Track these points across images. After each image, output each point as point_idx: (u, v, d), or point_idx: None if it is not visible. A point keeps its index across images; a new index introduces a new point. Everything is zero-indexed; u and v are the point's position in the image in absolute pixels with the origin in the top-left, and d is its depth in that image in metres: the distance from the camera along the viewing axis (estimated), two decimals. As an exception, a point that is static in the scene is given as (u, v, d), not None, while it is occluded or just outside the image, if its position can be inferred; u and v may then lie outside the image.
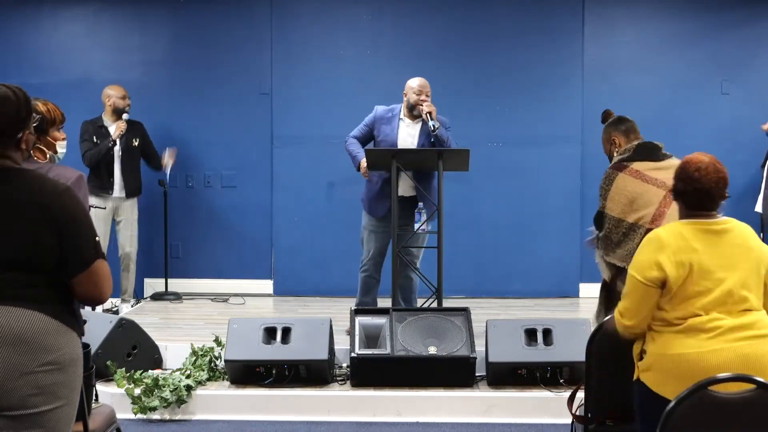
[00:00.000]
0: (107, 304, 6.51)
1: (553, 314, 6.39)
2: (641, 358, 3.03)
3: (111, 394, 4.84)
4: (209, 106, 7.37)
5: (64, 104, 3.55)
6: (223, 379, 5.12)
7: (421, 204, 5.65)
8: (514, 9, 7.36)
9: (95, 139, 6.62)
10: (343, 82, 7.31)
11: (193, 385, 4.91)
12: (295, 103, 7.36)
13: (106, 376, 5.00)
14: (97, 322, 5.09)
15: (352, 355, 5.04)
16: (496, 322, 5.18)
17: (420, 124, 5.75)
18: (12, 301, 2.44)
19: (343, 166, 6.46)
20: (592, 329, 3.50)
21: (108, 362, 4.98)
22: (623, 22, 7.46)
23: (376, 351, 5.08)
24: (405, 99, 5.79)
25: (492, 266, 7.34)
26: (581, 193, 7.23)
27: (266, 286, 7.47)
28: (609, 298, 4.12)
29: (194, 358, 5.17)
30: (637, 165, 4.18)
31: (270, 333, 5.14)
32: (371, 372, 5.03)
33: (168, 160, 6.96)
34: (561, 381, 5.00)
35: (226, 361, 5.03)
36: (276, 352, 5.05)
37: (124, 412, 4.73)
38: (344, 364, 5.27)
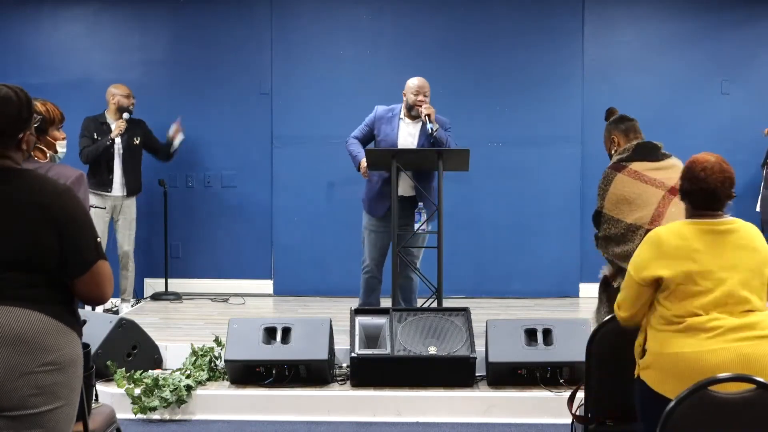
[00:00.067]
0: (107, 304, 6.50)
1: (553, 314, 6.39)
2: (642, 356, 3.03)
3: (111, 394, 4.84)
4: (209, 106, 7.37)
5: (64, 104, 3.55)
6: (223, 379, 5.12)
7: (421, 204, 5.65)
8: (514, 9, 7.36)
9: (95, 136, 6.62)
10: (343, 82, 7.31)
11: (193, 385, 4.91)
12: (295, 103, 7.36)
13: (106, 376, 4.99)
14: (97, 322, 5.09)
15: (352, 355, 5.04)
16: (496, 322, 5.18)
17: (420, 124, 5.75)
18: (12, 302, 2.44)
19: (343, 166, 6.46)
20: (592, 329, 3.51)
21: (108, 362, 4.98)
22: (623, 22, 7.46)
23: (376, 351, 5.08)
24: (404, 99, 5.79)
25: (492, 266, 7.34)
26: (581, 193, 7.23)
27: (266, 286, 7.47)
28: (609, 294, 4.12)
29: (194, 358, 5.17)
30: (635, 165, 4.18)
31: (270, 333, 5.14)
32: (371, 372, 5.03)
33: (175, 133, 6.93)
34: (561, 381, 5.00)
35: (226, 361, 5.03)
36: (276, 352, 5.05)
37: (124, 412, 4.73)
38: (344, 364, 5.27)
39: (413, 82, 5.76)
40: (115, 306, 6.76)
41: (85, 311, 5.28)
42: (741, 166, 6.84)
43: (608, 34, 7.41)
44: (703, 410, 2.74)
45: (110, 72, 7.22)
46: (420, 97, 5.68)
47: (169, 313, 6.72)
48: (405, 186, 5.73)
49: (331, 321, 5.24)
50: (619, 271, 4.05)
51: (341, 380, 5.13)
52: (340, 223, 7.16)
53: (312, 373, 5.04)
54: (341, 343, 5.30)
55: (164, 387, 4.84)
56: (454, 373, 5.03)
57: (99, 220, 6.33)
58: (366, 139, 5.89)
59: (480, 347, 5.12)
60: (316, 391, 4.99)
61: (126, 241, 6.81)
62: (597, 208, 4.23)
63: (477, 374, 5.09)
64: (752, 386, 2.76)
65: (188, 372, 5.04)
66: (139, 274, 7.09)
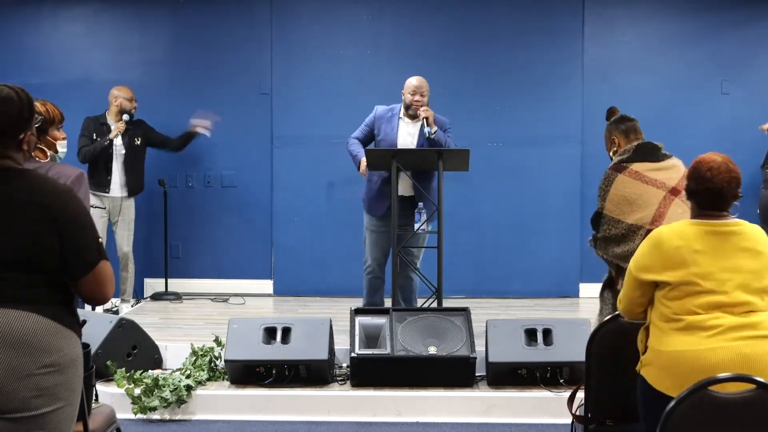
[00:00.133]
0: (107, 304, 6.50)
1: (553, 314, 6.39)
2: (644, 352, 3.04)
3: (111, 394, 4.84)
4: (209, 106, 7.34)
5: (64, 104, 3.55)
6: (223, 379, 5.12)
7: (421, 204, 5.65)
8: (514, 9, 7.36)
9: (95, 137, 6.62)
10: (343, 82, 7.31)
11: (193, 385, 4.91)
12: (295, 103, 7.36)
13: (106, 376, 4.99)
14: (97, 322, 5.08)
15: (352, 355, 5.04)
16: (496, 322, 5.18)
17: (420, 124, 5.75)
18: (12, 303, 2.44)
19: (343, 166, 6.47)
20: (592, 329, 3.51)
21: (108, 362, 4.98)
22: (623, 22, 7.46)
23: (376, 351, 5.08)
24: (403, 98, 5.79)
25: (492, 266, 7.34)
26: (581, 193, 7.23)
27: (266, 286, 7.47)
28: (614, 296, 4.12)
29: (194, 358, 5.17)
30: (636, 166, 4.18)
31: (270, 333, 5.14)
32: (371, 372, 5.03)
33: (200, 125, 6.89)
34: (561, 381, 5.00)
35: (226, 361, 5.03)
36: (276, 352, 5.05)
37: (124, 412, 4.73)
38: (344, 364, 5.27)
39: (411, 81, 5.76)
40: (115, 306, 6.76)
41: (85, 311, 5.29)
42: (741, 166, 6.64)
43: (608, 34, 7.41)
44: (703, 410, 2.74)
45: (110, 72, 7.22)
46: (417, 97, 5.68)
47: (169, 313, 6.72)
48: (405, 186, 5.72)
49: (331, 321, 5.24)
50: (620, 272, 4.05)
51: (341, 380, 5.13)
52: (340, 223, 7.16)
53: (312, 373, 5.04)
54: (341, 343, 5.30)
55: (164, 387, 4.84)
56: (454, 373, 5.03)
57: (98, 220, 6.33)
58: (366, 139, 5.90)
59: (480, 347, 5.12)
60: (316, 391, 4.99)
61: (125, 242, 6.81)
62: (597, 209, 4.23)
63: (477, 374, 5.09)
64: (752, 386, 2.76)
65: (188, 372, 5.04)
66: (139, 274, 7.09)
